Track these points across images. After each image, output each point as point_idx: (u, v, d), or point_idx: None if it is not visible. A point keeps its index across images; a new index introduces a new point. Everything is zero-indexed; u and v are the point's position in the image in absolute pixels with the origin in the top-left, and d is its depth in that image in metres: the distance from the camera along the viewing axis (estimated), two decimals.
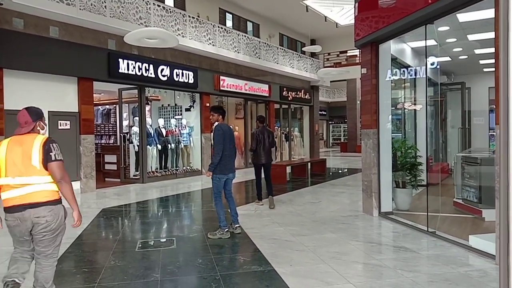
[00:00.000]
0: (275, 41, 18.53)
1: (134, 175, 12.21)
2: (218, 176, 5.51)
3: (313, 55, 21.01)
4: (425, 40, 5.82)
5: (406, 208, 7.05)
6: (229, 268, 4.32)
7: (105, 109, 15.48)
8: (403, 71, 7.01)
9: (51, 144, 2.97)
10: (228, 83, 14.65)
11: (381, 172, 6.75)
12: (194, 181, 12.31)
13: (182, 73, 12.68)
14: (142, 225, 6.67)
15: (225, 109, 6.11)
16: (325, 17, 17.06)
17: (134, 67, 11.15)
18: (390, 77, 6.68)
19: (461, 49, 9.50)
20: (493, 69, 4.48)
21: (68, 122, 9.76)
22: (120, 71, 10.74)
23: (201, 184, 11.72)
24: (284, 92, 18.09)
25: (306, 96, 19.93)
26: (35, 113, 3.08)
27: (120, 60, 10.75)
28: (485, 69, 11.40)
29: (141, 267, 4.36)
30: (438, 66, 6.60)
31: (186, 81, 12.82)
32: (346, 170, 15.49)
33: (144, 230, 6.27)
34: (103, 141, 14.87)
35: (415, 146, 7.30)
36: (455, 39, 8.43)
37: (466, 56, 10.37)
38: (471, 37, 8.29)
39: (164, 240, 5.50)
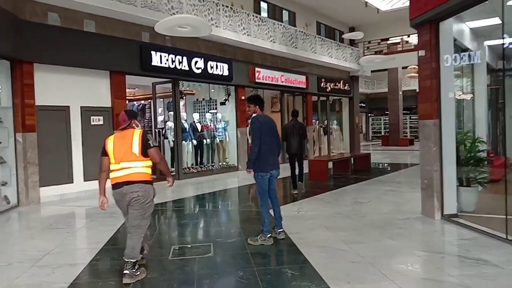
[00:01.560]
0: (312, 30, 17.65)
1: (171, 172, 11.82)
2: (260, 174, 4.89)
3: (352, 43, 19.96)
4: (503, 12, 4.90)
5: (471, 210, 6.16)
6: (275, 284, 3.68)
7: (140, 104, 15.19)
8: (463, 55, 6.09)
9: (147, 135, 3.85)
10: (264, 75, 13.98)
11: (443, 169, 5.90)
12: (231, 178, 11.78)
13: (217, 65, 12.13)
14: (177, 227, 6.17)
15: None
16: (366, 2, 16.01)
17: (167, 60, 10.69)
18: (453, 61, 5.79)
19: None
20: None
21: (101, 118, 9.43)
22: (153, 64, 10.30)
23: (237, 181, 11.17)
24: (322, 84, 17.21)
25: (346, 87, 18.94)
26: (130, 114, 4.02)
27: (153, 52, 10.31)
28: None
29: (175, 280, 3.82)
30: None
31: (220, 73, 12.27)
32: (391, 165, 14.49)
33: (179, 233, 5.76)
34: None
35: (481, 139, 6.37)
36: None
37: None
38: None
39: (201, 246, 4.94)
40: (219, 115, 13.33)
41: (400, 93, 25.79)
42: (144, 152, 3.76)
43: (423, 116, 6.11)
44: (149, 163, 3.87)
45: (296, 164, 8.68)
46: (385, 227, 5.54)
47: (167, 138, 11.86)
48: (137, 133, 3.81)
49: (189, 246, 5.00)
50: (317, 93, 17.11)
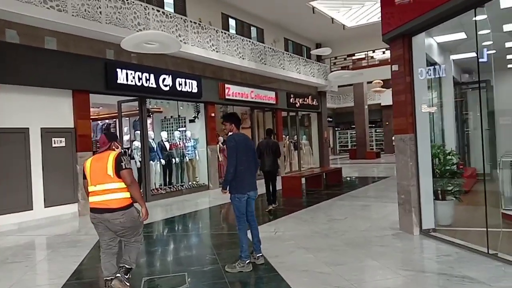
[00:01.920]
0: (280, 46, 17.74)
1: None
2: (237, 195, 4.64)
3: (319, 59, 20.22)
4: (475, 26, 4.96)
5: (448, 223, 6.16)
6: None
7: (104, 123, 14.64)
8: (433, 68, 6.14)
9: (121, 157, 3.83)
10: (233, 91, 13.82)
11: (420, 183, 5.85)
12: (201, 197, 11.42)
13: (185, 82, 11.86)
14: (147, 256, 5.75)
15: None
16: (332, 19, 16.28)
17: (133, 77, 10.33)
18: (426, 74, 5.81)
19: (491, 42, 8.61)
20: None
21: (63, 139, 8.91)
22: (118, 81, 9.91)
23: (208, 201, 10.83)
24: (291, 99, 17.24)
25: (314, 103, 19.08)
26: (110, 136, 4.05)
27: (118, 70, 9.93)
28: (509, 65, 10.54)
29: None
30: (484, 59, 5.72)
31: (189, 90, 12.00)
32: (361, 179, 14.56)
33: (149, 263, 5.36)
34: None
35: (454, 152, 6.41)
36: (488, 31, 7.57)
37: (494, 51, 9.50)
38: (508, 27, 7.44)
39: (174, 276, 4.58)
40: (188, 133, 13.00)
41: (366, 107, 26.32)
42: (117, 173, 3.79)
43: (399, 130, 6.07)
44: (124, 184, 3.86)
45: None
46: (365, 245, 5.39)
47: (133, 158, 11.40)
48: (112, 155, 3.85)
49: (162, 277, 4.64)
50: (286, 109, 17.10)
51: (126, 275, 3.92)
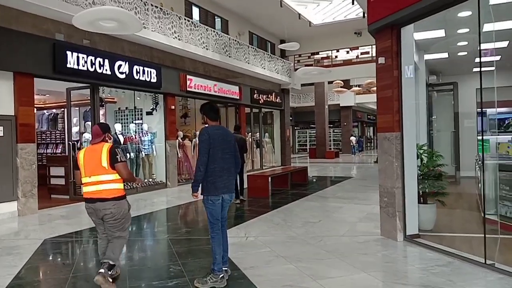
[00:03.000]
0: (245, 39, 17.10)
1: None
2: (210, 198, 3.96)
3: (283, 56, 19.78)
4: (478, 18, 4.57)
5: (429, 228, 5.81)
6: None
7: (51, 113, 13.29)
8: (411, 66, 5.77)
9: (116, 149, 3.90)
10: (196, 83, 12.99)
11: (405, 186, 5.44)
12: (159, 196, 10.54)
13: (144, 70, 10.90)
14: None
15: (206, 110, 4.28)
16: (299, 14, 15.85)
17: (85, 62, 9.26)
18: (412, 70, 5.41)
19: (466, 43, 8.45)
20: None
21: (1, 128, 7.75)
22: (68, 65, 8.81)
23: (166, 201, 9.98)
24: (255, 95, 16.65)
25: (277, 100, 18.61)
26: (103, 128, 4.07)
27: (69, 52, 8.83)
28: (475, 69, 10.54)
29: None
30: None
31: (148, 79, 11.05)
32: (325, 178, 14.24)
33: None
34: (49, 150, 12.67)
35: (438, 152, 6.07)
36: (467, 29, 7.36)
37: (466, 53, 9.42)
38: (488, 27, 7.23)
39: None
40: (145, 126, 12.04)
41: (326, 107, 26.30)
42: (112, 165, 3.83)
43: (383, 128, 5.62)
44: (119, 176, 3.90)
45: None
46: (349, 254, 4.87)
47: None
48: (106, 147, 3.88)
49: None
50: (250, 105, 16.49)
51: (110, 271, 3.83)
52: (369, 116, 39.46)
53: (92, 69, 9.42)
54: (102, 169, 3.82)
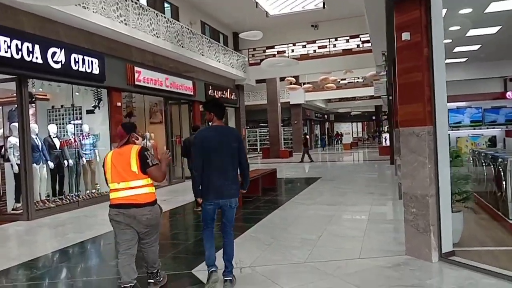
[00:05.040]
0: (196, 30, 15.51)
1: (13, 209, 8.28)
2: (203, 202, 3.94)
3: (236, 49, 18.43)
4: None
5: (456, 241, 4.78)
6: None
7: None
8: None
9: (145, 152, 3.63)
10: (145, 76, 11.27)
11: (440, 193, 4.36)
12: (105, 210, 8.70)
13: (84, 59, 9.04)
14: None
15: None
16: (257, 3, 14.59)
17: (9, 47, 7.30)
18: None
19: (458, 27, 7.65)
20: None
21: None
22: None
23: None
24: (209, 91, 15.19)
25: (232, 97, 17.27)
26: (127, 128, 3.79)
27: None
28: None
29: None
30: None
31: (89, 71, 9.20)
32: (293, 180, 13.12)
33: None
34: None
35: (459, 151, 5.09)
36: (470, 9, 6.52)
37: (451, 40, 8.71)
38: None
39: None
40: (85, 127, 10.13)
41: (279, 104, 25.37)
42: (143, 170, 3.58)
43: (409, 121, 4.49)
44: (150, 180, 3.66)
45: None
46: (386, 286, 3.67)
47: (8, 160, 8.27)
48: (134, 150, 3.61)
49: None
50: (205, 102, 14.95)
51: (158, 276, 3.87)
52: (316, 114, 39.32)
53: (18, 56, 7.49)
54: (132, 175, 3.56)
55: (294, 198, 9.09)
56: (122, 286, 3.50)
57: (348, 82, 32.69)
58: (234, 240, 4.14)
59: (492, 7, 6.40)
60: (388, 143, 26.25)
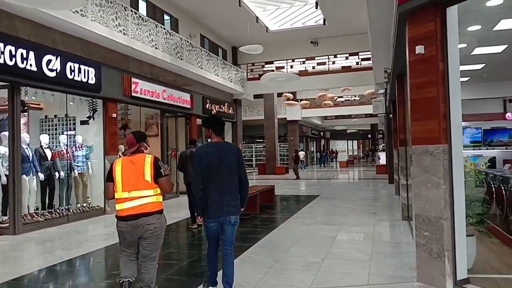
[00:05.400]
0: (196, 43, 15.37)
1: (0, 222, 7.87)
2: (207, 220, 3.88)
3: (235, 64, 18.29)
4: None
5: (469, 267, 4.49)
6: None
7: None
8: None
9: (159, 162, 3.62)
10: (142, 87, 11.03)
11: (455, 216, 4.09)
12: (96, 226, 8.43)
13: (80, 68, 8.78)
14: None
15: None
16: (257, 17, 14.50)
17: (2, 53, 7.05)
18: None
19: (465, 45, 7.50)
20: None
21: None
22: None
23: (107, 233, 7.84)
24: (207, 105, 14.94)
25: (230, 111, 17.05)
26: (138, 136, 3.74)
27: None
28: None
29: None
30: None
31: (84, 80, 8.93)
32: (290, 198, 12.81)
33: None
34: None
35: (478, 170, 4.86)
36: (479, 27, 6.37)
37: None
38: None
39: None
40: (79, 138, 9.82)
41: (276, 120, 25.19)
42: (155, 180, 3.56)
43: (423, 139, 4.25)
44: (159, 190, 3.63)
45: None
46: None
47: None
48: (148, 159, 3.60)
49: None
50: (202, 115, 14.70)
51: None
52: (312, 131, 39.21)
53: (11, 63, 7.23)
54: (145, 184, 3.53)
55: (293, 217, 8.78)
56: (121, 281, 3.48)
57: (345, 100, 32.65)
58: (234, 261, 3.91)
59: (502, 25, 6.26)
60: (384, 162, 26.24)
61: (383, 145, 43.73)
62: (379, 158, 32.26)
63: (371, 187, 15.80)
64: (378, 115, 25.66)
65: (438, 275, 4.10)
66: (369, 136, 48.12)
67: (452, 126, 4.10)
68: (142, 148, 3.69)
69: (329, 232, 7.01)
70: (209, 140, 4.02)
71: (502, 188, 5.72)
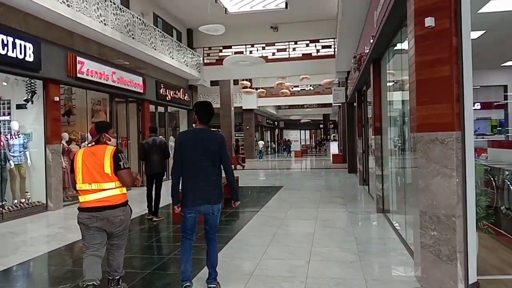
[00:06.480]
0: (149, 22, 14.14)
1: None
2: (183, 209, 3.70)
3: (190, 47, 17.20)
4: None
5: None
6: None
7: None
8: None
9: (119, 154, 3.51)
10: (89, 68, 9.80)
11: (468, 213, 3.60)
12: (37, 226, 7.32)
13: (14, 43, 7.50)
14: None
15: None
16: None
17: None
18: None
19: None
20: None
21: None
22: None
23: (50, 233, 6.80)
24: (161, 90, 13.85)
25: (185, 97, 16.02)
26: (99, 127, 3.64)
27: None
28: None
29: None
30: None
31: (20, 57, 7.66)
32: (250, 189, 12.16)
33: None
34: None
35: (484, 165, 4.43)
36: None
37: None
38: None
39: None
40: (15, 125, 8.52)
41: (233, 109, 24.38)
42: (115, 172, 3.47)
43: (430, 126, 3.70)
44: None
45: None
46: None
47: None
48: (109, 151, 3.49)
49: None
50: (155, 101, 13.61)
51: (119, 284, 3.66)
52: (267, 121, 38.82)
53: None
54: (105, 177, 3.44)
55: (262, 211, 8.14)
56: (85, 285, 3.35)
57: (301, 89, 32.47)
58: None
59: (488, 7, 5.90)
60: (336, 151, 26.38)
61: (334, 135, 44.54)
62: (328, 148, 32.60)
63: (332, 177, 15.54)
64: (333, 105, 25.71)
65: (448, 280, 3.61)
66: (321, 126, 48.62)
67: (465, 110, 3.58)
68: (105, 139, 3.59)
69: (304, 227, 6.43)
70: (194, 125, 3.85)
71: (492, 179, 5.40)
